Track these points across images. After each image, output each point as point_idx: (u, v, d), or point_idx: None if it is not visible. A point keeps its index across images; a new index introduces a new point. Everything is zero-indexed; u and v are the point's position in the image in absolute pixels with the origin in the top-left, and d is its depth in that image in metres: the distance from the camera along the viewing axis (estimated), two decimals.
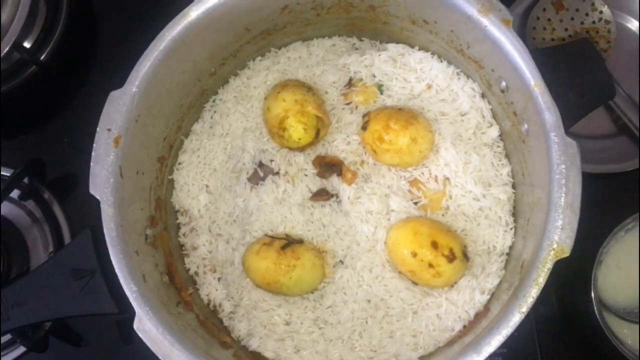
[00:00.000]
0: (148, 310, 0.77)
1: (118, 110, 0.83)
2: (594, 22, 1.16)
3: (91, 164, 0.82)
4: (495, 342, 0.73)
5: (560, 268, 1.02)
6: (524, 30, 1.17)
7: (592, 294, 0.96)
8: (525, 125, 0.84)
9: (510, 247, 0.91)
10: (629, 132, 1.16)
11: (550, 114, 0.76)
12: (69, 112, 1.21)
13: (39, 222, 1.14)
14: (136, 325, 0.77)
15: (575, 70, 0.78)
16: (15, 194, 1.13)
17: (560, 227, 0.74)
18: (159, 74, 0.85)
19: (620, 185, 1.14)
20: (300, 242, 0.92)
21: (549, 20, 1.18)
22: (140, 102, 0.84)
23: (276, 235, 0.92)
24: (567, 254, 0.74)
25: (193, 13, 0.84)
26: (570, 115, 0.78)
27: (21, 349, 1.07)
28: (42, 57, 1.14)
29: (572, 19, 1.17)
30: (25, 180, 1.12)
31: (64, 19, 1.16)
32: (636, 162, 1.12)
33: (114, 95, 0.83)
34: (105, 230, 0.79)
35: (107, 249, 0.80)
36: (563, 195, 0.74)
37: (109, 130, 0.82)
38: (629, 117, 1.14)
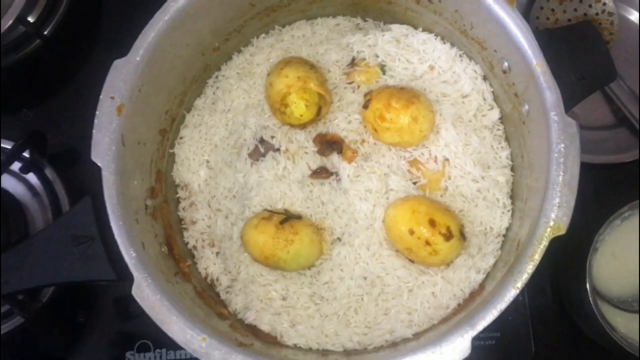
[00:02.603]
0: (147, 277, 0.78)
1: (121, 78, 0.83)
2: (597, 14, 1.17)
3: (93, 131, 0.82)
4: (489, 316, 0.73)
5: (556, 255, 1.04)
6: (527, 20, 1.18)
7: (587, 282, 0.97)
8: (526, 106, 0.84)
9: (507, 229, 0.91)
10: (628, 123, 1.17)
11: (551, 93, 0.76)
12: (73, 86, 1.22)
13: (39, 195, 1.14)
14: (134, 292, 0.78)
15: (577, 52, 0.78)
16: (16, 166, 1.13)
17: (557, 204, 0.74)
18: (163, 44, 0.85)
19: (618, 176, 1.15)
20: (299, 217, 0.92)
21: (553, 10, 1.18)
22: (143, 72, 0.84)
23: (275, 210, 0.93)
24: (563, 231, 0.74)
25: None
26: (571, 97, 0.78)
27: (18, 320, 1.07)
28: (46, 31, 1.15)
29: (575, 9, 1.18)
30: (26, 153, 1.12)
31: None
32: (634, 153, 1.13)
33: (118, 63, 0.84)
34: (105, 197, 0.80)
35: (107, 216, 0.80)
36: (561, 173, 0.75)
37: (112, 98, 0.82)
38: (629, 109, 1.15)
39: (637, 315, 1.04)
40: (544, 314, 1.12)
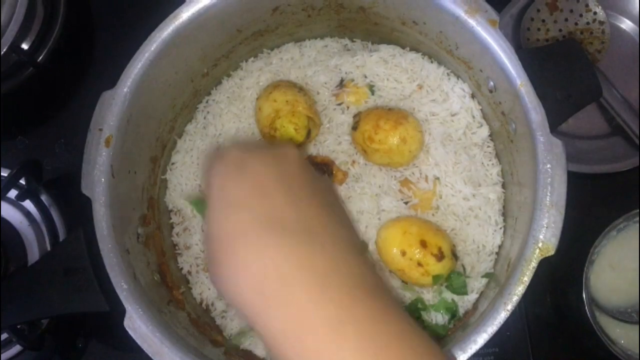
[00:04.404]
0: (138, 308, 0.78)
1: (109, 110, 0.83)
2: (588, 23, 1.17)
3: (82, 163, 0.83)
4: (480, 339, 0.73)
5: (553, 268, 1.03)
6: (518, 31, 1.18)
7: (584, 294, 0.96)
8: (513, 125, 0.84)
9: (500, 247, 0.91)
10: (622, 132, 1.16)
11: (535, 114, 0.76)
12: (66, 113, 1.22)
13: (36, 222, 1.15)
14: (126, 323, 0.78)
15: (562, 70, 0.78)
16: (12, 194, 1.14)
17: (545, 225, 0.74)
18: (151, 74, 0.86)
19: (613, 185, 1.15)
20: None
21: (543, 21, 1.18)
22: (132, 102, 0.85)
23: None
24: (552, 252, 0.74)
25: (184, 14, 0.85)
26: (558, 115, 0.78)
27: (17, 348, 1.07)
28: (40, 58, 1.15)
29: (566, 19, 1.17)
30: (22, 180, 1.13)
31: (62, 21, 1.16)
32: (629, 162, 1.12)
33: (106, 95, 0.84)
34: (96, 229, 0.80)
35: (98, 247, 0.80)
36: (548, 194, 0.75)
37: (100, 130, 0.83)
38: (622, 118, 1.15)
39: (636, 326, 1.03)
40: (542, 326, 1.11)
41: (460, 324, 0.87)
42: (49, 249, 1.11)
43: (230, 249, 0.59)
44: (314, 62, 1.00)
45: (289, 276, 0.57)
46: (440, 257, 0.85)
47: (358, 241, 0.68)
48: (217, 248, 0.61)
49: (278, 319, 0.56)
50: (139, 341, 0.77)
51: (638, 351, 1.01)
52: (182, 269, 0.98)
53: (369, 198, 0.92)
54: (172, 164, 1.00)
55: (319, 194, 0.68)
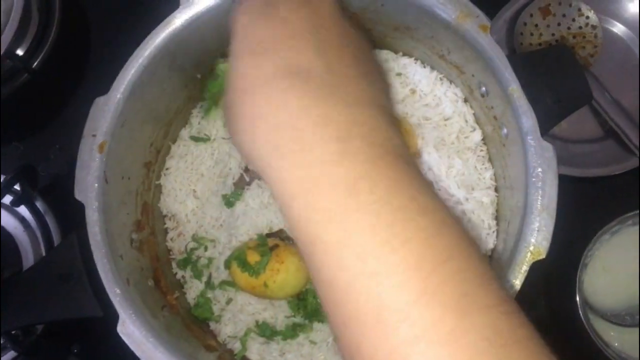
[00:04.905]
0: (131, 314, 0.78)
1: (103, 116, 0.84)
2: (580, 28, 1.17)
3: (76, 169, 0.83)
4: None
5: (547, 271, 1.03)
6: (511, 36, 1.19)
7: (577, 297, 0.97)
8: (505, 130, 0.85)
9: (492, 250, 0.91)
10: (615, 136, 1.16)
11: (526, 118, 0.77)
12: (61, 119, 1.22)
13: (30, 228, 1.15)
14: (119, 329, 0.78)
15: (552, 75, 0.79)
16: (7, 200, 1.14)
17: (536, 229, 0.74)
18: (144, 80, 0.86)
19: (607, 188, 1.15)
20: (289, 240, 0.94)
21: (536, 25, 1.19)
22: (125, 108, 0.85)
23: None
24: (543, 255, 0.74)
25: (177, 20, 0.85)
26: (549, 119, 0.78)
27: (12, 354, 1.07)
28: (35, 64, 1.16)
29: (559, 24, 1.18)
30: (17, 186, 1.13)
31: (57, 27, 1.17)
32: (622, 166, 1.13)
33: (99, 101, 0.85)
34: (89, 235, 0.80)
35: (92, 253, 0.81)
36: (539, 198, 0.75)
37: (94, 136, 0.83)
38: (615, 122, 1.15)
39: (631, 329, 1.03)
40: (538, 329, 1.11)
41: None
42: (44, 254, 1.11)
43: (250, 100, 0.54)
44: None
45: (307, 130, 0.51)
46: None
47: (389, 106, 0.59)
48: (237, 99, 0.55)
49: (291, 175, 0.51)
50: (132, 347, 0.77)
51: (637, 354, 1.01)
52: (176, 274, 0.98)
53: None
54: (167, 169, 1.00)
55: (351, 46, 0.60)
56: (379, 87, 0.60)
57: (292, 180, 0.51)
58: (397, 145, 0.53)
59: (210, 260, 0.96)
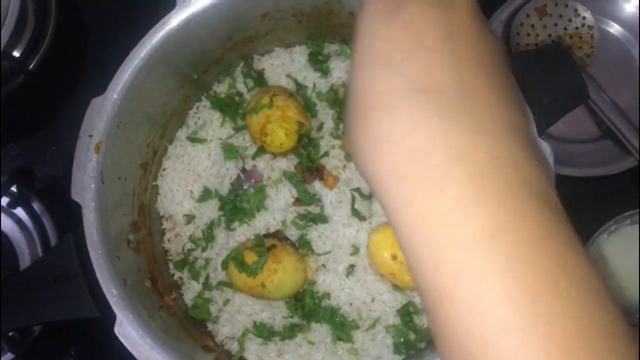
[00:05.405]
0: (128, 314, 0.78)
1: (99, 116, 0.84)
2: (577, 28, 1.18)
3: (73, 169, 0.83)
4: None
5: None
6: (508, 36, 1.19)
7: None
8: None
9: None
10: (612, 136, 1.17)
11: None
12: (58, 120, 1.22)
13: (27, 229, 1.15)
14: (117, 329, 0.78)
15: (549, 74, 0.79)
16: (3, 201, 1.14)
17: None
18: (141, 80, 0.86)
19: (604, 188, 1.15)
20: (286, 239, 0.94)
21: (533, 26, 1.19)
22: (122, 109, 0.85)
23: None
24: None
25: (174, 21, 0.85)
26: (545, 119, 0.78)
27: (9, 356, 1.07)
28: (31, 66, 1.16)
29: (556, 24, 1.18)
30: (14, 188, 1.13)
31: (53, 28, 1.16)
32: (619, 165, 1.13)
33: (95, 101, 0.84)
34: (86, 235, 0.80)
35: (89, 253, 0.80)
36: None
37: (90, 136, 0.83)
38: (612, 122, 1.15)
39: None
40: None
41: None
42: (40, 255, 1.11)
43: (373, 116, 0.48)
44: (304, 68, 1.00)
45: (438, 164, 0.44)
46: None
47: (528, 128, 0.50)
48: (358, 110, 0.49)
49: (417, 215, 0.45)
50: (129, 347, 0.77)
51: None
52: (173, 275, 0.98)
53: (361, 202, 0.92)
54: (163, 170, 1.00)
55: (488, 56, 0.51)
56: (517, 106, 0.51)
57: (418, 220, 0.45)
58: (543, 187, 0.46)
59: (207, 261, 0.96)
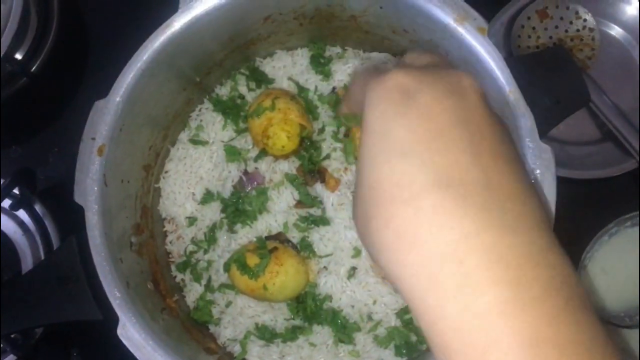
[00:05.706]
0: (131, 317, 0.78)
1: (102, 119, 0.84)
2: (578, 30, 1.18)
3: (76, 172, 0.83)
4: None
5: None
6: (509, 39, 1.19)
7: None
8: None
9: None
10: (613, 138, 1.17)
11: (525, 120, 0.77)
12: (60, 122, 1.23)
13: (30, 232, 1.15)
14: (119, 332, 0.78)
15: (550, 77, 0.79)
16: (6, 203, 1.14)
17: None
18: (143, 83, 0.86)
19: (605, 190, 1.16)
20: (288, 242, 0.94)
21: (534, 28, 1.19)
22: (124, 111, 0.85)
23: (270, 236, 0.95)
24: None
25: (176, 23, 0.85)
26: (547, 121, 0.79)
27: (12, 358, 1.07)
28: (33, 68, 1.16)
29: (557, 27, 1.18)
30: (16, 190, 1.13)
31: (55, 31, 1.17)
32: (620, 167, 1.13)
33: (98, 104, 0.85)
34: (89, 238, 0.81)
35: (91, 256, 0.81)
36: None
37: (93, 139, 0.83)
38: (613, 124, 1.15)
39: (629, 330, 1.04)
40: None
41: None
42: (42, 258, 1.11)
43: (396, 210, 0.45)
44: (306, 70, 1.00)
45: (471, 268, 0.42)
46: None
47: (548, 218, 0.48)
48: (378, 203, 0.46)
49: (452, 320, 0.42)
50: (132, 349, 0.77)
51: (638, 354, 1.01)
52: (175, 277, 0.98)
53: None
54: (166, 172, 1.00)
55: (502, 144, 0.49)
56: (536, 195, 0.49)
57: (451, 333, 0.42)
58: (574, 287, 0.44)
59: (209, 263, 0.96)
